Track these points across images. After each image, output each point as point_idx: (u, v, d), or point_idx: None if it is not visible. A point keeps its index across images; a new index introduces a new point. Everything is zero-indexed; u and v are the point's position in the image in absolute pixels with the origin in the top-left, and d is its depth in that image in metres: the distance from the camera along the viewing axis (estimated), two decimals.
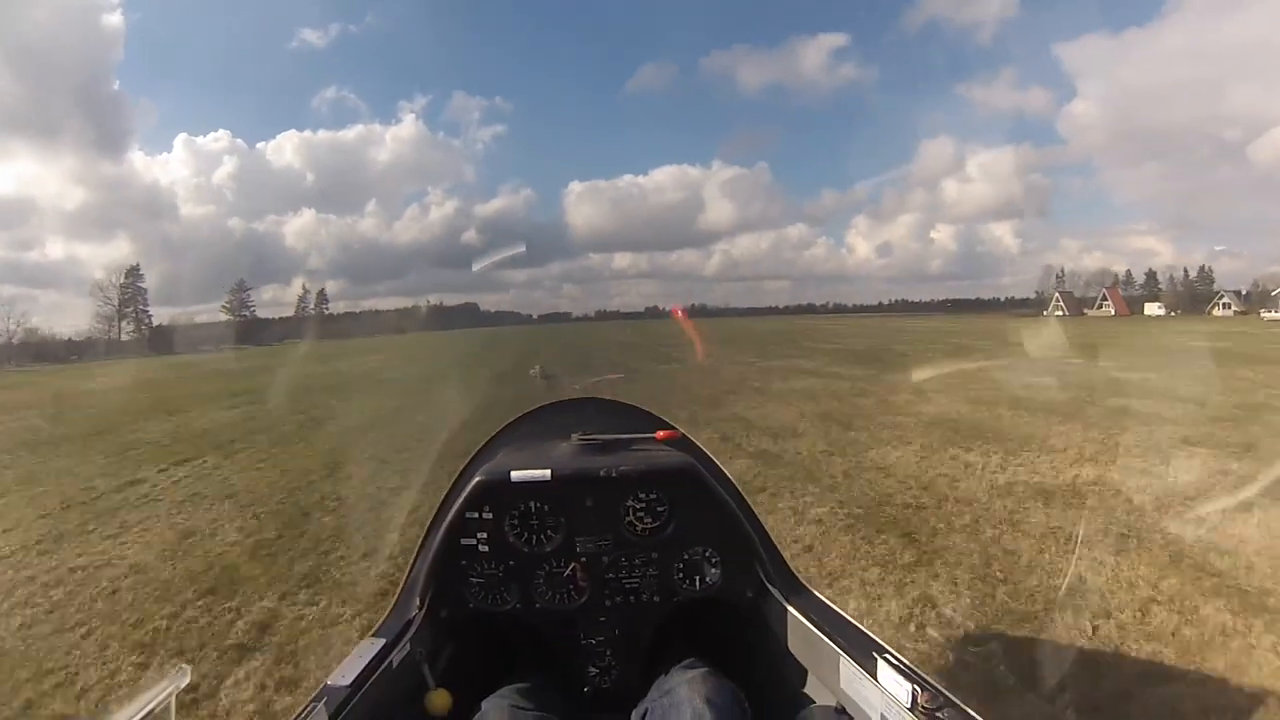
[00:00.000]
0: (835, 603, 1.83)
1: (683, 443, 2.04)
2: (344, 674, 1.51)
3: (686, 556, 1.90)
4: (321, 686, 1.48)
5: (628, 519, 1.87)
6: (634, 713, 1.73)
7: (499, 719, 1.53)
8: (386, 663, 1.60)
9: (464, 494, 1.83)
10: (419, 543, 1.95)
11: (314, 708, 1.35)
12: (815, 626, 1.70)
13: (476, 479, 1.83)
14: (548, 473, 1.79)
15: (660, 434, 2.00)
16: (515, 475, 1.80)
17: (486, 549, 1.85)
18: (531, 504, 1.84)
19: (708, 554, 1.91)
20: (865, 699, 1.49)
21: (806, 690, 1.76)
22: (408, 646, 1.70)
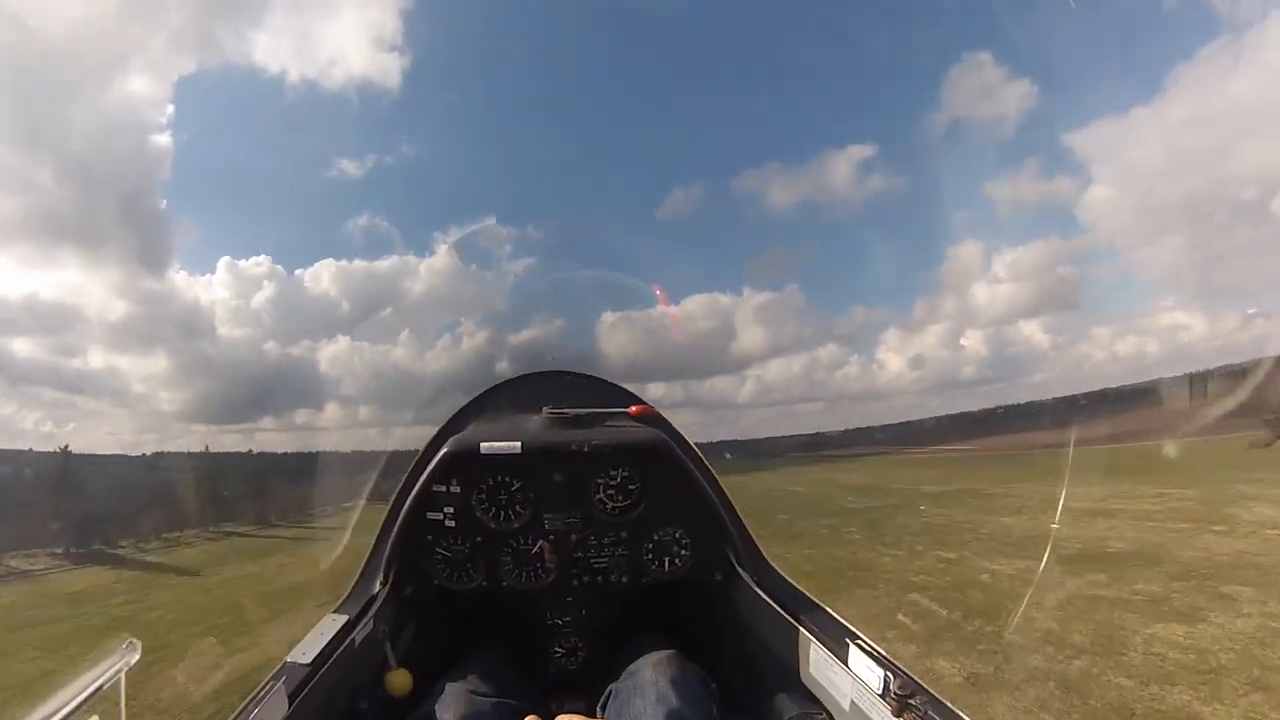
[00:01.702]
0: (806, 588, 1.83)
1: (656, 419, 2.01)
2: (304, 651, 1.48)
3: (656, 537, 1.90)
4: (282, 664, 1.45)
5: (598, 496, 1.86)
6: (601, 695, 1.73)
7: (457, 703, 1.52)
8: (349, 641, 1.58)
9: (431, 465, 1.80)
10: (384, 517, 1.91)
11: (273, 686, 1.32)
12: (785, 610, 1.71)
13: (445, 450, 1.79)
14: (518, 445, 1.76)
15: (634, 409, 1.97)
16: (485, 447, 1.77)
17: (453, 524, 1.82)
18: (501, 478, 1.82)
19: (678, 535, 1.91)
20: (835, 684, 1.50)
21: (775, 674, 1.76)
22: (370, 624, 1.68)
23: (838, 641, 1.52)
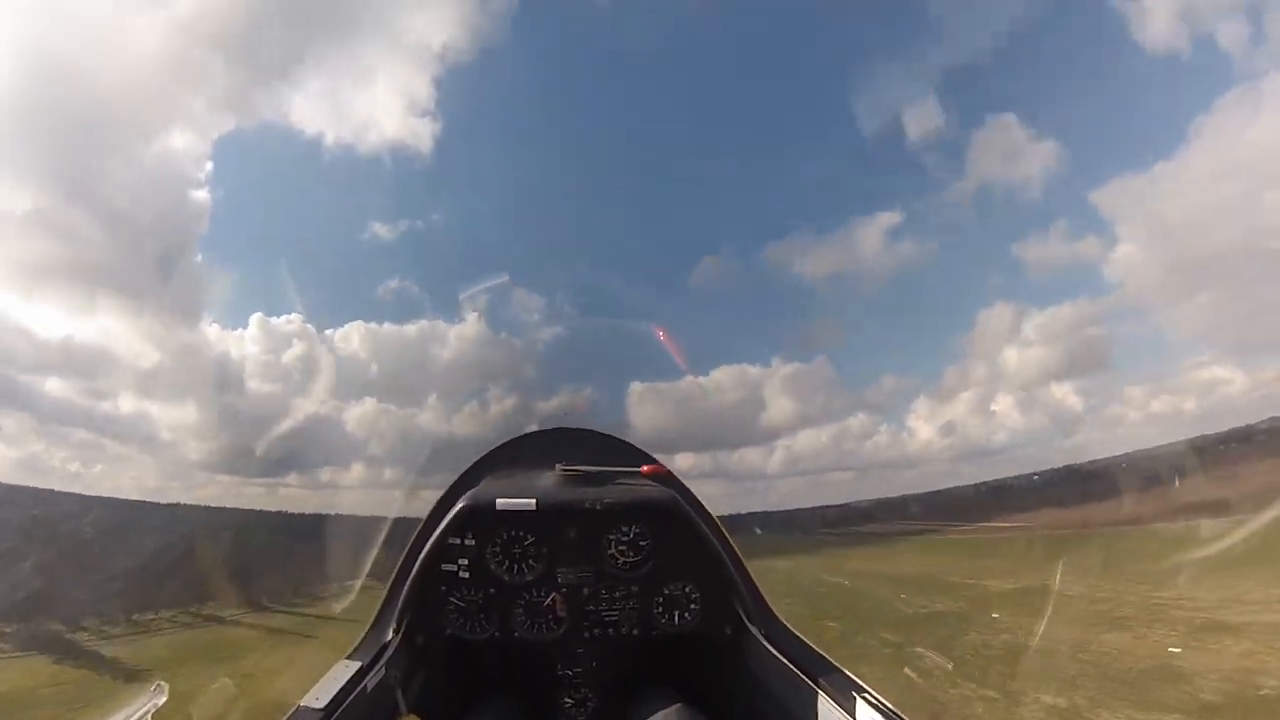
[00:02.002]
0: (814, 643, 1.85)
1: (668, 478, 2.06)
2: (318, 696, 1.54)
3: (667, 591, 1.93)
4: (295, 709, 1.50)
5: (610, 552, 1.91)
6: None
7: None
8: (361, 687, 1.63)
9: (447, 519, 1.87)
10: (397, 566, 1.98)
11: None
12: (794, 665, 1.72)
13: (461, 504, 1.86)
14: (533, 502, 1.83)
15: (646, 468, 2.03)
16: (501, 503, 1.84)
17: (467, 575, 1.88)
18: (515, 533, 1.88)
19: (688, 590, 1.94)
20: None
21: None
22: (383, 671, 1.73)
23: (846, 697, 1.54)
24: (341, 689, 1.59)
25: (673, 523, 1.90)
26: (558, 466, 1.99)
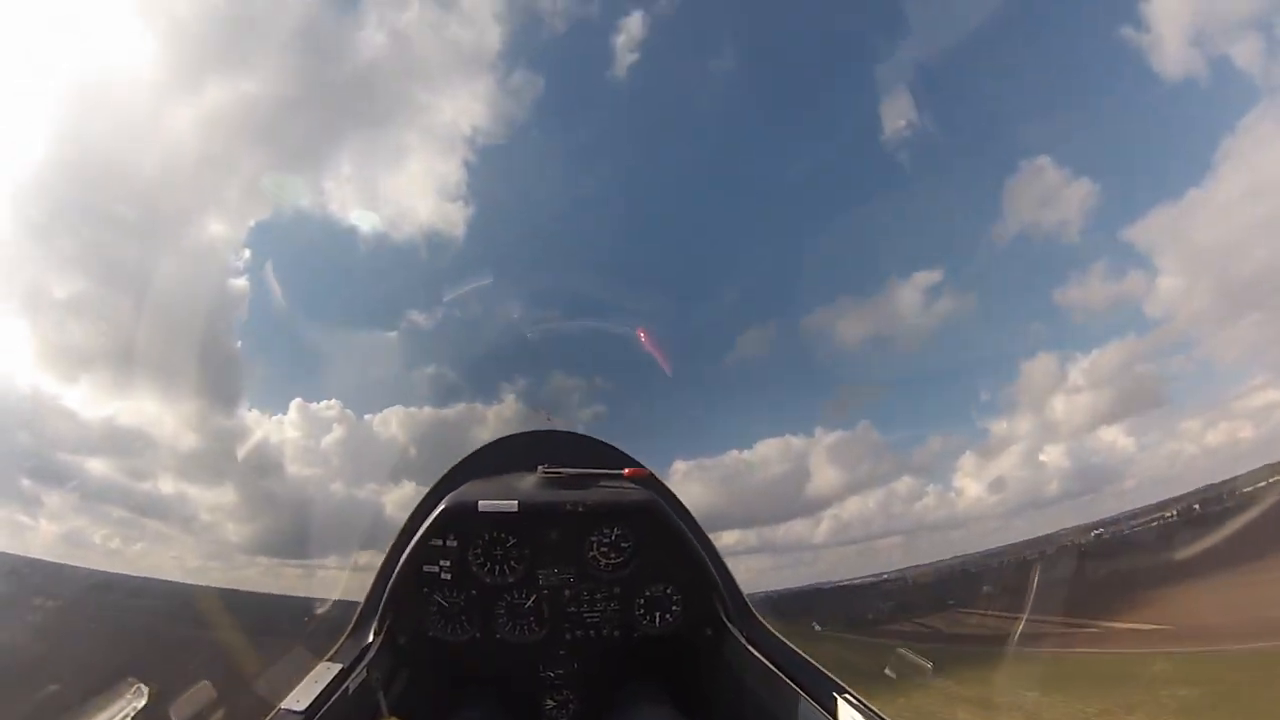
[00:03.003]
0: (796, 644, 1.85)
1: (650, 480, 2.07)
2: (298, 699, 1.55)
3: (648, 593, 1.95)
4: (275, 711, 1.51)
5: (591, 554, 1.92)
6: None
7: None
8: (342, 689, 1.64)
9: (429, 521, 1.88)
10: (379, 568, 2.00)
11: None
12: (775, 665, 1.72)
13: (443, 506, 1.88)
14: (515, 504, 1.84)
15: (628, 471, 2.03)
16: (483, 505, 1.85)
17: (449, 577, 1.89)
18: (497, 534, 1.90)
19: (669, 591, 1.95)
20: None
21: None
22: (364, 672, 1.74)
23: (827, 696, 1.54)
24: (323, 691, 1.59)
25: (654, 525, 1.91)
26: (540, 469, 2.00)
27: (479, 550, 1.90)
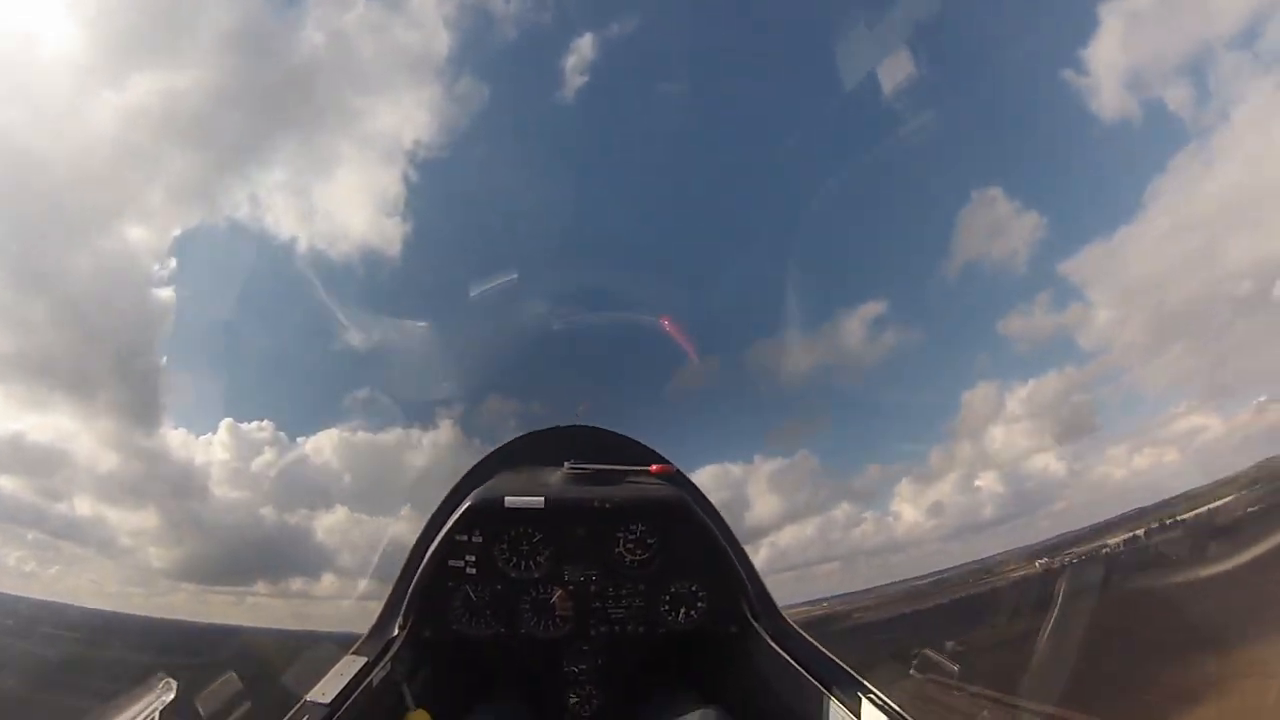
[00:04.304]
0: (821, 642, 1.92)
1: (676, 477, 2.13)
2: (324, 691, 1.58)
3: (673, 589, 1.99)
4: (301, 703, 1.54)
5: (617, 550, 1.96)
6: None
7: None
8: (367, 682, 1.67)
9: (455, 516, 1.91)
10: (404, 562, 2.03)
11: None
12: (799, 663, 1.80)
13: (469, 502, 1.91)
14: (541, 500, 1.88)
15: (655, 467, 2.09)
16: (509, 501, 1.88)
17: (474, 572, 1.92)
18: (523, 530, 1.93)
19: (694, 588, 2.00)
20: None
21: None
22: (389, 666, 1.77)
23: (851, 695, 1.62)
24: (348, 684, 1.63)
25: (681, 522, 1.96)
26: (566, 464, 2.04)
27: (505, 546, 1.93)
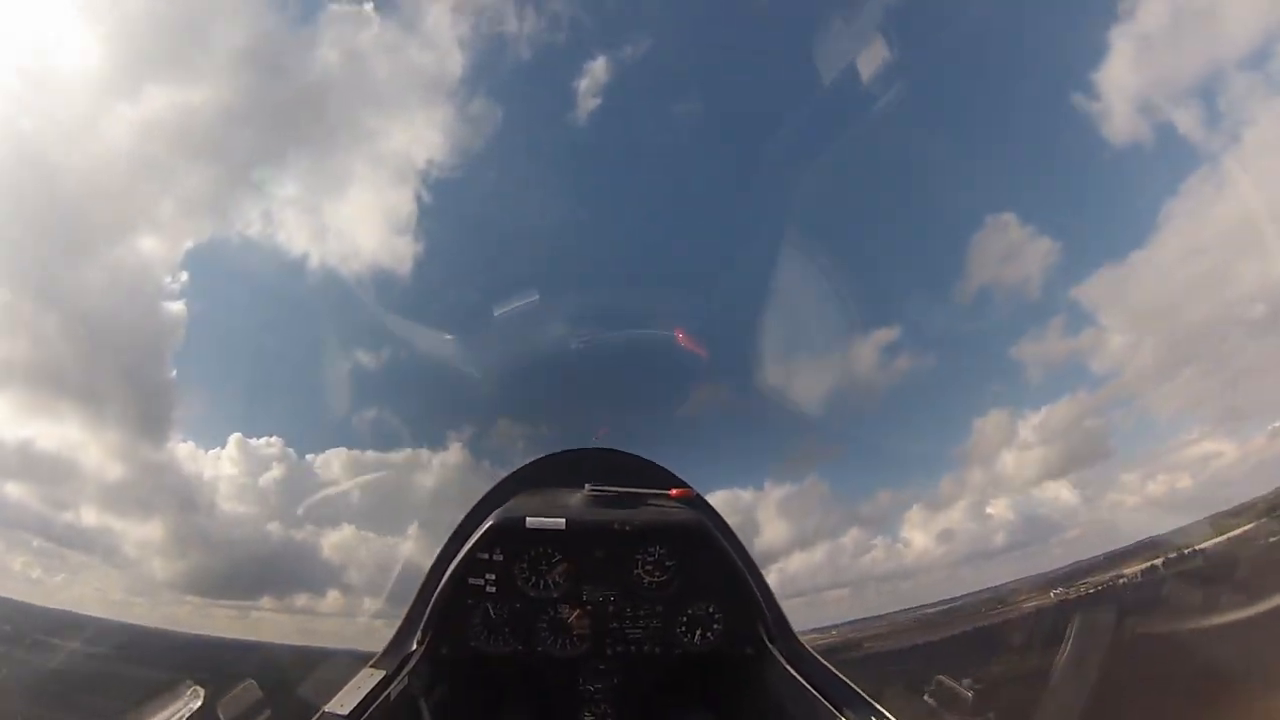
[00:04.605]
0: (836, 666, 1.91)
1: (696, 501, 2.15)
2: (342, 703, 1.60)
3: (690, 611, 2.01)
4: (319, 713, 1.56)
5: (636, 571, 1.98)
6: None
7: None
8: (384, 695, 1.69)
9: (477, 535, 1.94)
10: (424, 578, 2.05)
11: None
12: (814, 687, 1.80)
13: (491, 521, 1.94)
14: (562, 522, 1.91)
15: (674, 491, 2.11)
16: (531, 522, 1.91)
17: (493, 590, 1.94)
18: (543, 550, 1.95)
19: (711, 610, 2.02)
20: None
21: None
22: (406, 680, 1.79)
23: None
24: (366, 696, 1.64)
25: (699, 545, 1.98)
26: (587, 487, 2.07)
27: (525, 565, 1.95)
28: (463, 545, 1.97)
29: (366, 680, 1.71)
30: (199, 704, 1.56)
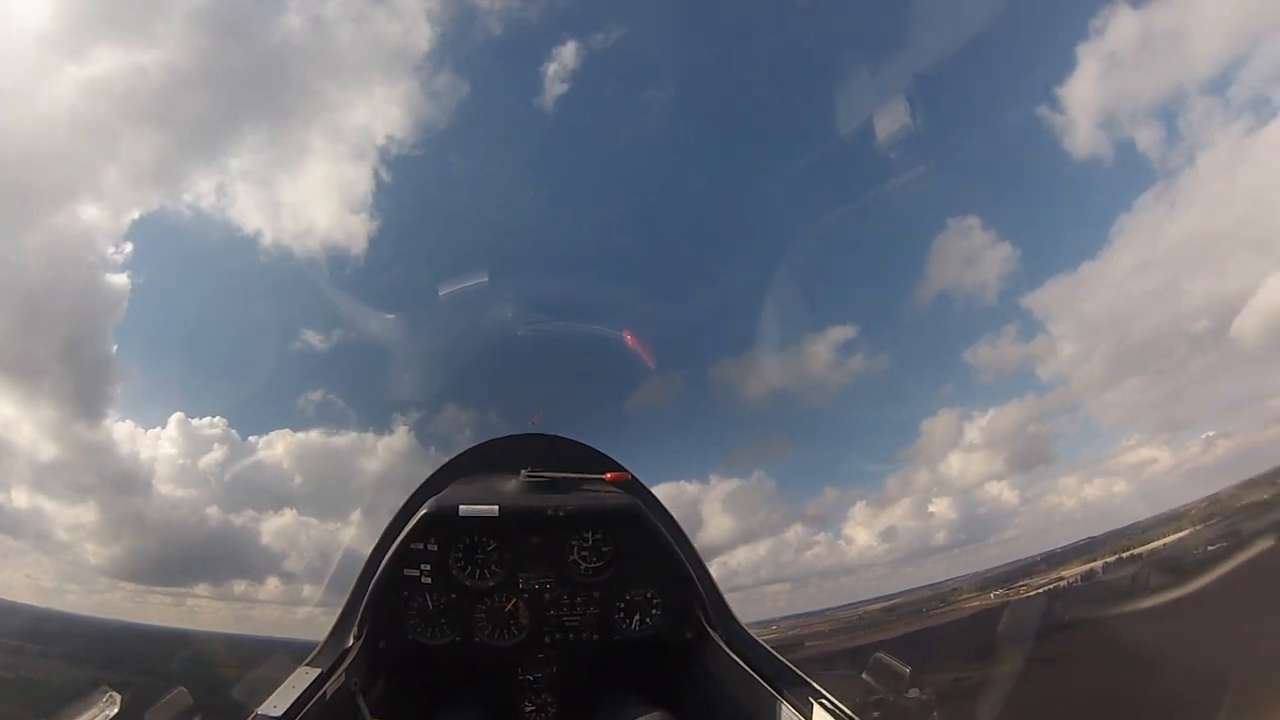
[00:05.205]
0: (776, 649, 1.95)
1: (632, 485, 2.13)
2: (275, 704, 1.55)
3: (628, 597, 2.01)
4: (251, 717, 1.52)
5: (572, 558, 1.97)
6: None
7: None
8: (320, 694, 1.65)
9: (410, 525, 1.91)
10: (360, 571, 2.02)
11: None
12: (754, 670, 1.82)
13: (424, 510, 1.90)
14: (496, 509, 1.88)
15: (609, 475, 2.08)
16: (464, 510, 1.87)
17: (429, 581, 1.92)
18: (478, 538, 1.93)
19: (649, 595, 2.02)
20: None
21: None
22: (343, 677, 1.76)
23: (804, 701, 1.64)
24: (300, 696, 1.60)
25: (635, 530, 1.97)
26: (523, 472, 2.04)
27: (460, 554, 1.93)
28: (397, 536, 1.94)
29: (301, 679, 1.67)
30: (115, 711, 1.52)
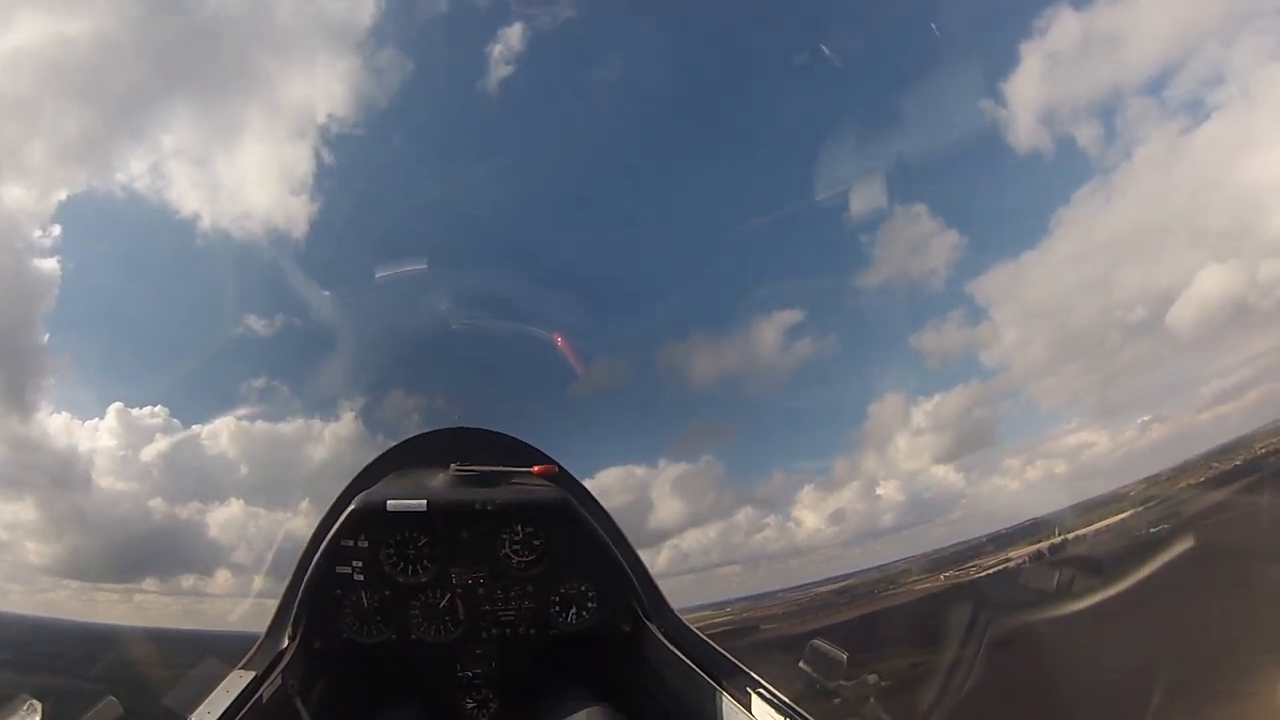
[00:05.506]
0: (713, 639, 2.00)
1: (561, 477, 2.17)
2: (209, 710, 1.54)
3: (563, 590, 2.04)
4: None
5: (504, 552, 2.00)
6: None
7: None
8: (256, 697, 1.65)
9: (339, 521, 1.91)
10: (292, 571, 2.02)
11: None
12: (692, 661, 1.87)
13: (352, 507, 1.91)
14: (423, 504, 1.90)
15: (537, 468, 2.11)
16: (391, 505, 1.90)
17: (361, 578, 1.92)
18: (408, 534, 1.94)
19: (584, 588, 2.05)
20: None
21: None
22: (279, 679, 1.75)
23: (742, 691, 1.69)
24: (234, 701, 1.60)
25: (564, 522, 2.01)
26: (452, 466, 2.06)
27: (391, 550, 1.94)
28: (327, 533, 1.94)
29: (235, 683, 1.66)
30: (36, 719, 1.47)
